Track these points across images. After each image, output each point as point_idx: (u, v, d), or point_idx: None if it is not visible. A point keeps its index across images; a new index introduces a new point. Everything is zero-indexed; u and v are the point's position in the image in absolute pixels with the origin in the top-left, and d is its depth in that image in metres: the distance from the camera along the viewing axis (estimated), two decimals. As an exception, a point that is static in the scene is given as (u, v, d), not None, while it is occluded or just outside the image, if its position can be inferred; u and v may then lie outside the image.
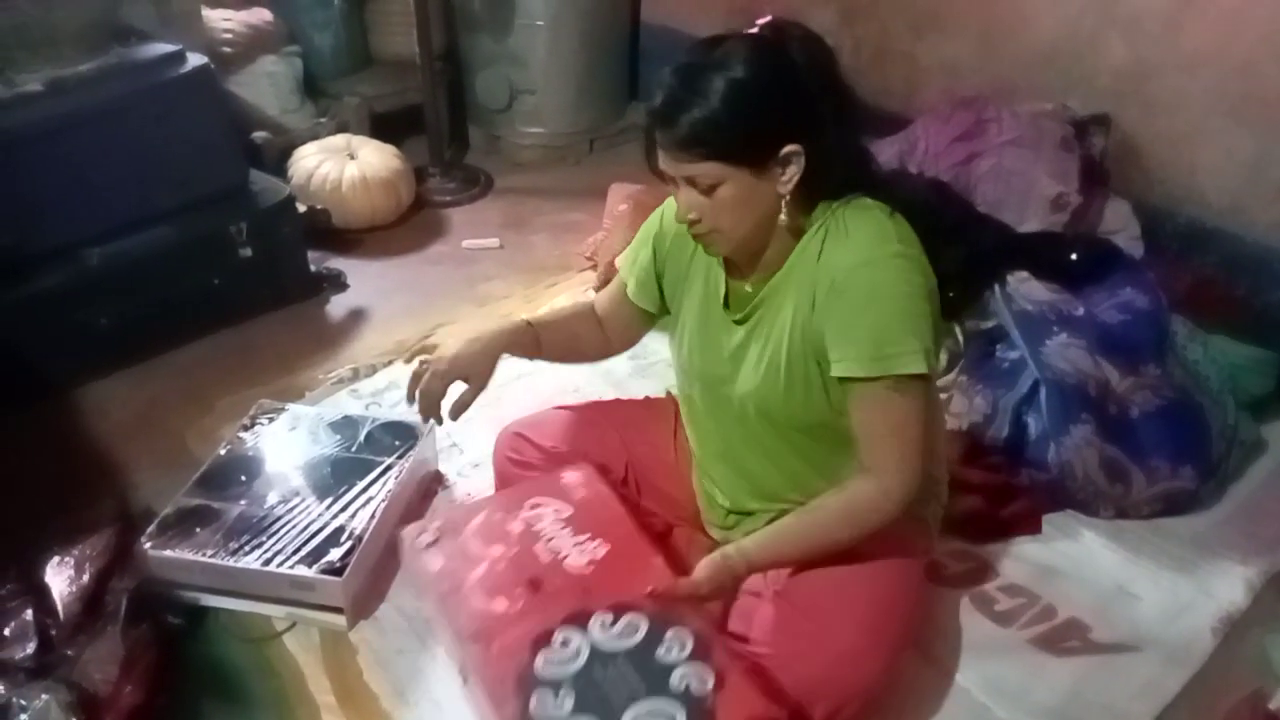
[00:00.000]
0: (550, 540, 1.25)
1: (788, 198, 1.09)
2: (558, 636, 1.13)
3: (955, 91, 2.25)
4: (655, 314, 1.34)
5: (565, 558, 1.23)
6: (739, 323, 1.20)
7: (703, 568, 1.14)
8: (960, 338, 1.83)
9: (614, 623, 1.14)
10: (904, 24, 2.41)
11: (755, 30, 1.08)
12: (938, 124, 2.16)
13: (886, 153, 2.17)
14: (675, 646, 1.11)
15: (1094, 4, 2.05)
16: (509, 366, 1.91)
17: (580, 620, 1.15)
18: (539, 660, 1.10)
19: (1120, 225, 2.01)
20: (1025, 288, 1.79)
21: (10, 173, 1.78)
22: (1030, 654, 1.35)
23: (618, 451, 1.39)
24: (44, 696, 1.12)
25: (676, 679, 1.07)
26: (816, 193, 1.11)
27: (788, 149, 1.05)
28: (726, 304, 1.22)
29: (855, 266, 1.07)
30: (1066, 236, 1.96)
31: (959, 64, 2.32)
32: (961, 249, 1.85)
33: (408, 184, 2.59)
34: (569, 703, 1.06)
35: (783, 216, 1.10)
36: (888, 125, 2.28)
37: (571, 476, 1.34)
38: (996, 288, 1.80)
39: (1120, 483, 1.56)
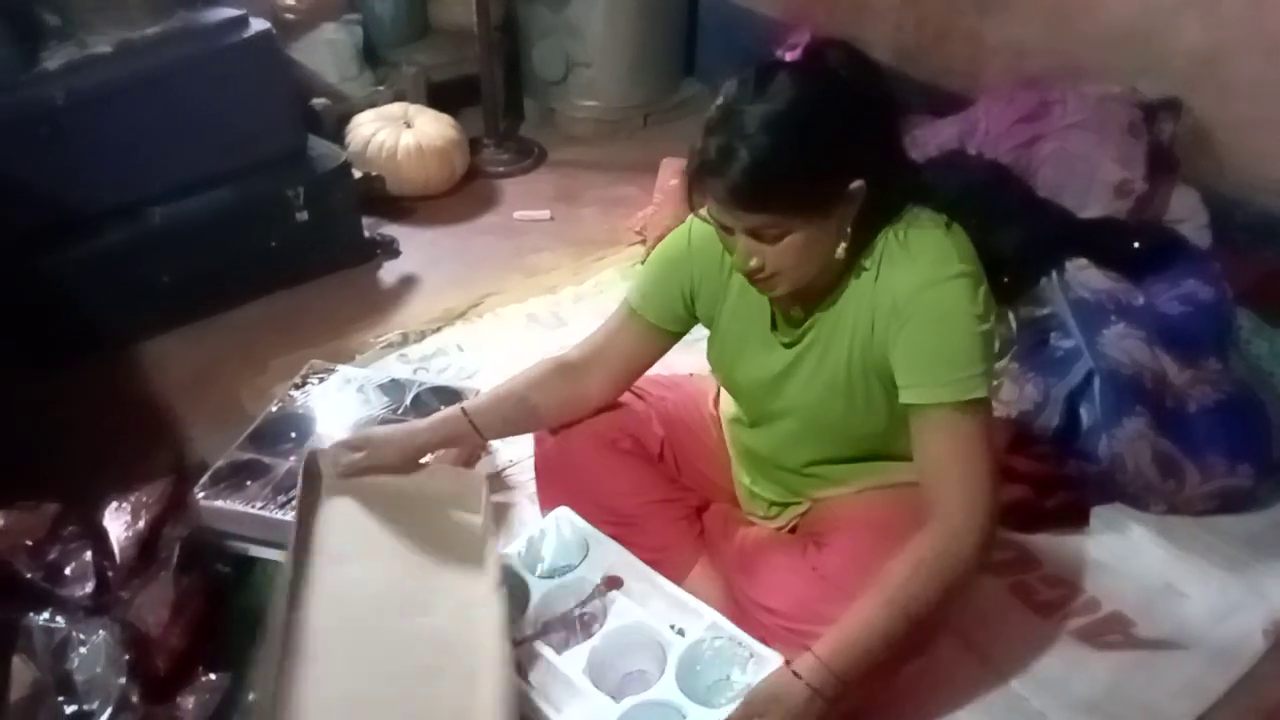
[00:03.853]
0: None
1: (848, 232, 1.05)
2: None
3: (1019, 72, 2.19)
4: (680, 332, 1.31)
5: None
6: (788, 345, 1.17)
7: (762, 687, 1.06)
8: (1013, 324, 1.79)
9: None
10: (969, 1, 2.35)
11: (796, 55, 1.01)
12: (1000, 105, 2.11)
13: (946, 133, 2.13)
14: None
15: (1171, -17, 1.98)
16: (547, 341, 1.96)
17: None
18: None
19: (1187, 214, 1.95)
20: (1084, 275, 1.74)
21: (79, 132, 1.83)
22: (1070, 646, 1.33)
23: (656, 429, 1.39)
24: (100, 633, 1.16)
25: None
26: (877, 220, 1.07)
27: (852, 186, 1.01)
28: (774, 324, 1.19)
29: (918, 289, 1.04)
30: (1129, 224, 1.90)
31: (1025, 43, 2.26)
32: (1018, 233, 1.81)
33: (462, 154, 2.61)
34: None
35: (841, 248, 1.06)
36: (948, 105, 2.23)
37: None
38: (1054, 274, 1.76)
39: (1173, 478, 1.52)
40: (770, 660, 1.12)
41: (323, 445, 1.38)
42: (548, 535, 1.34)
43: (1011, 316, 1.81)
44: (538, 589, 1.28)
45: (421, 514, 1.31)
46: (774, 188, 0.99)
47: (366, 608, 1.18)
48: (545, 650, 1.20)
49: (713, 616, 1.20)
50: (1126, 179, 1.92)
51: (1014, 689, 1.27)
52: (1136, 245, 1.82)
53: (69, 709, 1.07)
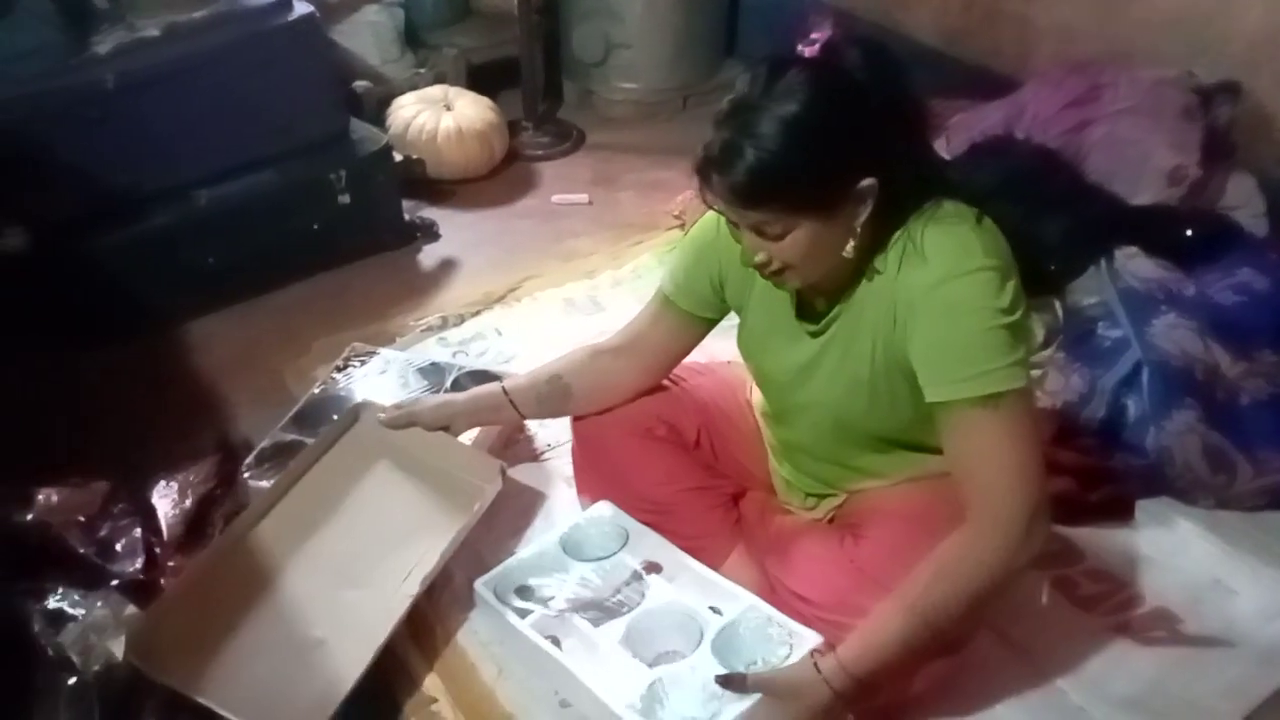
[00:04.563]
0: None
1: (860, 230, 1.03)
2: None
3: (1070, 55, 2.14)
4: (715, 319, 1.30)
5: None
6: (813, 335, 1.16)
7: (786, 670, 1.08)
8: (1059, 313, 1.76)
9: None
10: (1018, -18, 2.30)
11: (814, 51, 0.99)
12: (1049, 88, 2.06)
13: (993, 118, 2.09)
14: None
15: (1231, -36, 1.92)
16: (584, 326, 1.96)
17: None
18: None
19: (1242, 201, 1.89)
20: (1134, 264, 1.70)
21: (128, 116, 1.85)
22: (1113, 642, 1.31)
23: (693, 417, 1.38)
24: (98, 604, 1.18)
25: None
26: (892, 217, 1.05)
27: (862, 185, 1.00)
28: (800, 314, 1.18)
29: (934, 285, 1.02)
30: (1182, 211, 1.85)
31: (1075, 26, 2.20)
32: (1065, 220, 1.78)
33: (501, 137, 2.61)
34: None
35: (850, 246, 1.04)
36: (995, 88, 2.18)
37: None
38: (1103, 262, 1.72)
39: (1224, 473, 1.49)
40: (809, 641, 1.12)
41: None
42: (590, 524, 1.36)
43: (1058, 305, 1.77)
44: (576, 570, 1.30)
45: (427, 486, 1.42)
46: (776, 188, 0.98)
47: (309, 559, 1.34)
48: (580, 622, 1.22)
49: (750, 599, 1.21)
50: (1180, 165, 1.87)
51: (1053, 684, 1.25)
52: (1189, 233, 1.77)
53: (71, 680, 1.10)
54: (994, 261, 1.02)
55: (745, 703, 1.07)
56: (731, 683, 1.07)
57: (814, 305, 1.17)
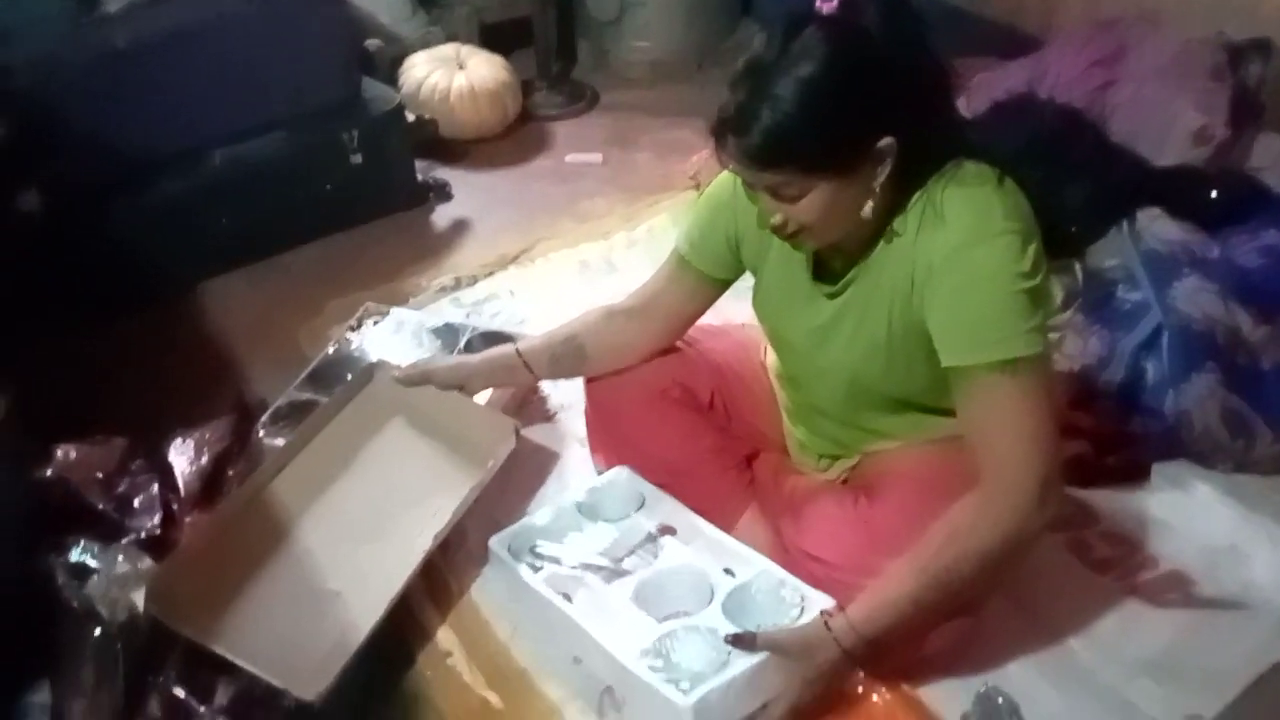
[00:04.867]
0: None
1: (878, 191, 1.02)
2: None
3: (1097, 13, 2.09)
4: (731, 278, 1.29)
5: None
6: (830, 297, 1.15)
7: (797, 629, 1.08)
8: (1079, 275, 1.74)
9: None
10: (1044, -63, 2.24)
11: (832, 7, 0.96)
12: (1074, 47, 2.01)
13: (1015, 77, 2.04)
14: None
15: (1264, -84, 1.86)
16: (599, 287, 1.95)
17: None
18: None
19: (1270, 162, 1.85)
20: (1156, 226, 1.68)
21: (140, 77, 1.84)
22: (1126, 604, 1.30)
23: (707, 379, 1.37)
24: (119, 558, 1.20)
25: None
26: (912, 179, 1.03)
27: (880, 145, 0.98)
28: (816, 275, 1.17)
29: (955, 249, 1.00)
30: (1207, 173, 1.82)
31: (1102, -17, 2.15)
32: (1089, 183, 1.75)
33: (514, 96, 2.59)
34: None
35: (869, 207, 1.03)
36: (1019, 46, 2.14)
37: None
38: (1124, 224, 1.69)
39: (1243, 437, 1.47)
40: (820, 604, 1.12)
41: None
42: (607, 488, 1.36)
43: (1078, 267, 1.75)
44: (590, 531, 1.31)
45: (442, 444, 1.43)
46: (792, 150, 0.96)
47: (325, 514, 1.36)
48: (592, 579, 1.23)
49: (764, 562, 1.21)
50: (1206, 125, 1.83)
51: (1066, 645, 1.25)
52: (1214, 194, 1.74)
53: (96, 632, 1.12)
54: (1015, 225, 1.01)
55: (754, 659, 1.08)
56: (741, 641, 1.07)
57: (831, 266, 1.16)
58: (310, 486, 1.37)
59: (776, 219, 1.04)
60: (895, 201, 1.05)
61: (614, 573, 1.25)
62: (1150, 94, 1.89)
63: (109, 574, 1.16)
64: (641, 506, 1.33)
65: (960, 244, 1.00)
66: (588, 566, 1.26)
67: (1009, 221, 1.00)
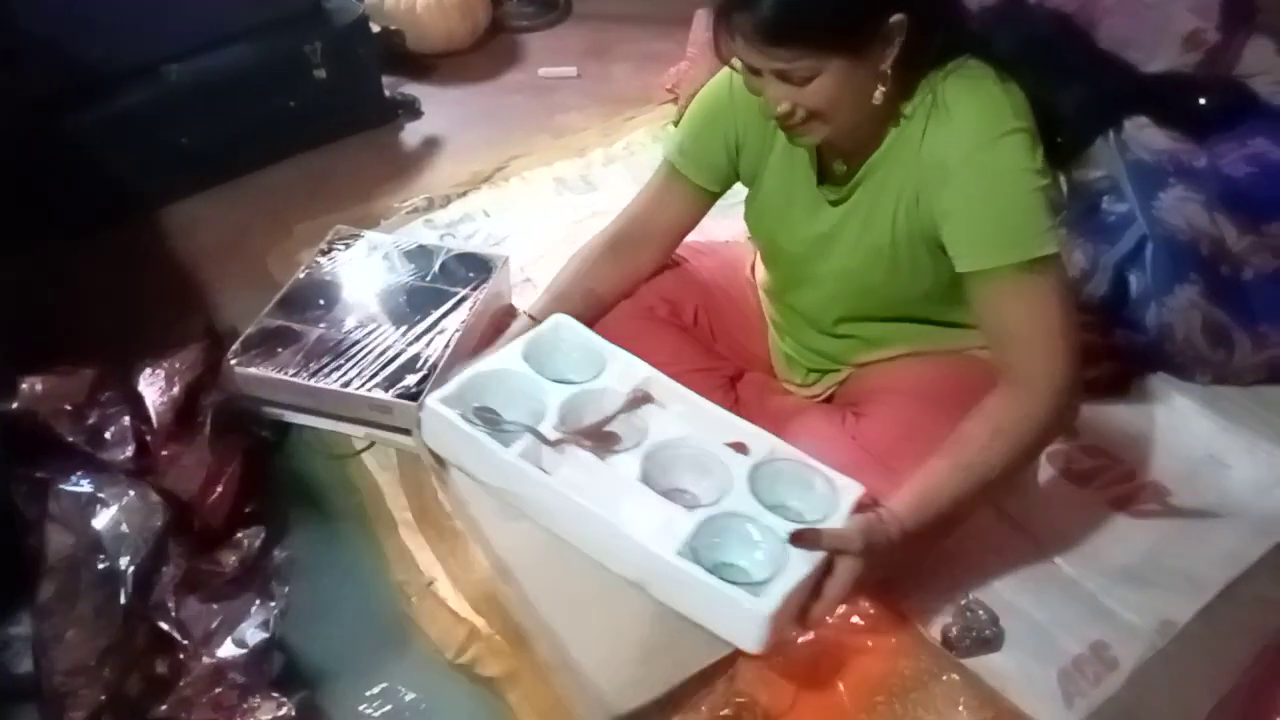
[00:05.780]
0: None
1: (888, 75, 0.98)
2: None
3: (1088, -91, 2.01)
4: (719, 192, 1.25)
5: None
6: (834, 204, 1.12)
7: (855, 523, 0.99)
8: (1064, 188, 1.71)
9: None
10: None
11: None
12: (1064, -53, 1.94)
13: (1004, -21, 1.98)
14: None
15: None
16: (576, 206, 1.90)
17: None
18: None
19: (1261, 67, 1.80)
20: (1144, 135, 1.64)
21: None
22: (1105, 514, 1.32)
23: (693, 297, 1.35)
24: (130, 493, 1.17)
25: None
26: (918, 65, 0.99)
27: (892, 20, 0.93)
28: (820, 181, 1.13)
29: (970, 151, 0.98)
30: (1196, 79, 1.78)
31: (1095, -124, 2.06)
32: (1080, 91, 1.70)
33: (484, 7, 2.49)
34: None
35: (879, 95, 0.99)
36: (1006, -52, 2.06)
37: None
38: (1111, 134, 1.66)
39: (1223, 347, 1.48)
40: (852, 489, 1.04)
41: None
42: (549, 343, 1.20)
43: (1062, 180, 1.72)
44: (554, 394, 1.12)
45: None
46: (805, 21, 0.92)
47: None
48: (583, 455, 1.07)
49: (772, 440, 1.10)
50: (1199, 28, 1.78)
51: (1048, 556, 1.27)
52: (1202, 101, 1.70)
53: (101, 565, 1.10)
54: (1024, 123, 0.99)
55: (816, 557, 0.96)
56: (803, 539, 0.96)
57: (834, 171, 1.13)
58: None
59: (784, 106, 1.00)
60: (901, 94, 1.02)
61: (597, 449, 1.08)
62: (1142, -4, 1.83)
63: (120, 505, 1.14)
64: (603, 370, 1.17)
65: (974, 146, 0.99)
66: (570, 437, 1.08)
67: (1019, 120, 0.99)
